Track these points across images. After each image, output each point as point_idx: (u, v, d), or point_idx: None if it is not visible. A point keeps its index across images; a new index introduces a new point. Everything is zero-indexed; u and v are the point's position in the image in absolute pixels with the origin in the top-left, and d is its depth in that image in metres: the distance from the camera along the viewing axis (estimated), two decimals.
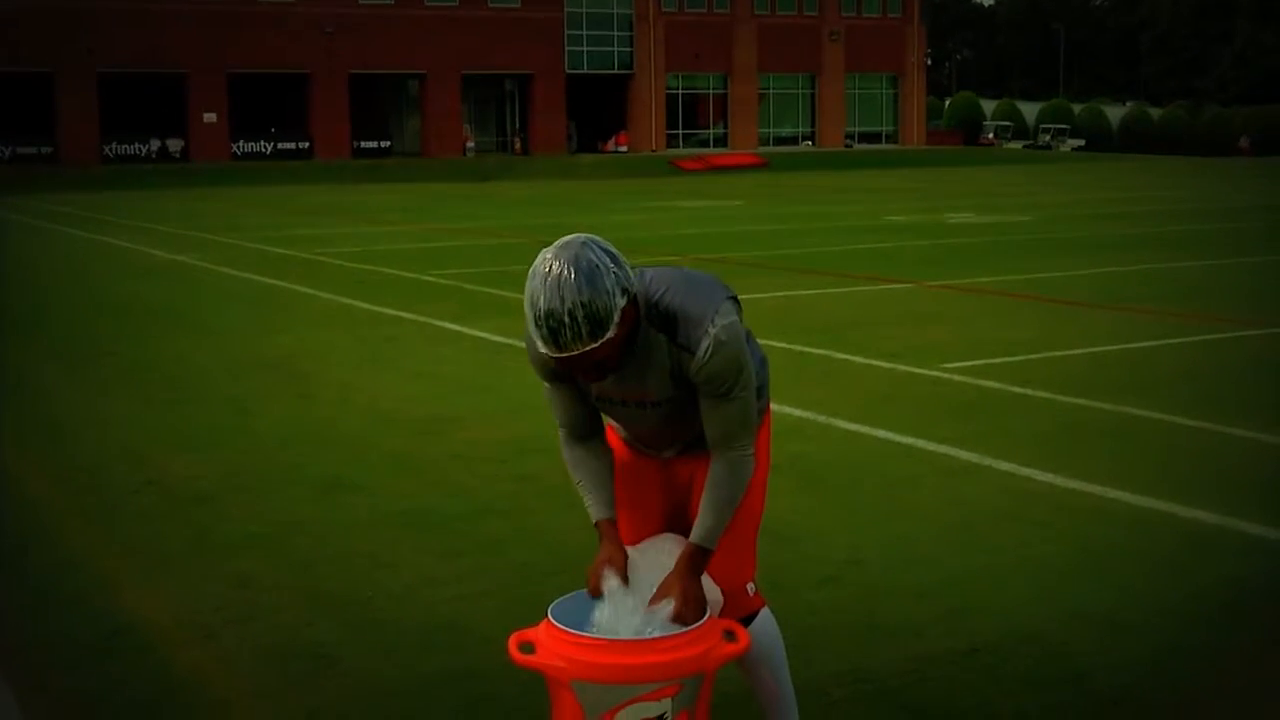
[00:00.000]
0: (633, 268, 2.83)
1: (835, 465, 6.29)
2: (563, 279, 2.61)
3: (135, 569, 4.98)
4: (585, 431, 3.07)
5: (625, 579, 2.92)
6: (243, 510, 5.67)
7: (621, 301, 2.66)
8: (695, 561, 2.91)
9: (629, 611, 2.88)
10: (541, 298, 2.62)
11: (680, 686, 2.76)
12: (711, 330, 2.77)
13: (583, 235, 2.73)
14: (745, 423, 2.89)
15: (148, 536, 5.35)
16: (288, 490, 6.00)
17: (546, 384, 3.00)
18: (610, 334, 2.65)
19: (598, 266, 2.63)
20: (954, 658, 3.93)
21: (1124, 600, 4.39)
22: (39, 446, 7.06)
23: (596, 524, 3.03)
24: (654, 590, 2.91)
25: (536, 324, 2.65)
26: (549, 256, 2.66)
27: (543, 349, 2.69)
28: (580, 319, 2.61)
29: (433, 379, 8.79)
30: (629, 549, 3.01)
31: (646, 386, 2.88)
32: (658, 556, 2.99)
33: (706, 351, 2.77)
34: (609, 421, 3.13)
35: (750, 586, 3.08)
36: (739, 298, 2.93)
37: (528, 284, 2.67)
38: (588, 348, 2.64)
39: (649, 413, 2.96)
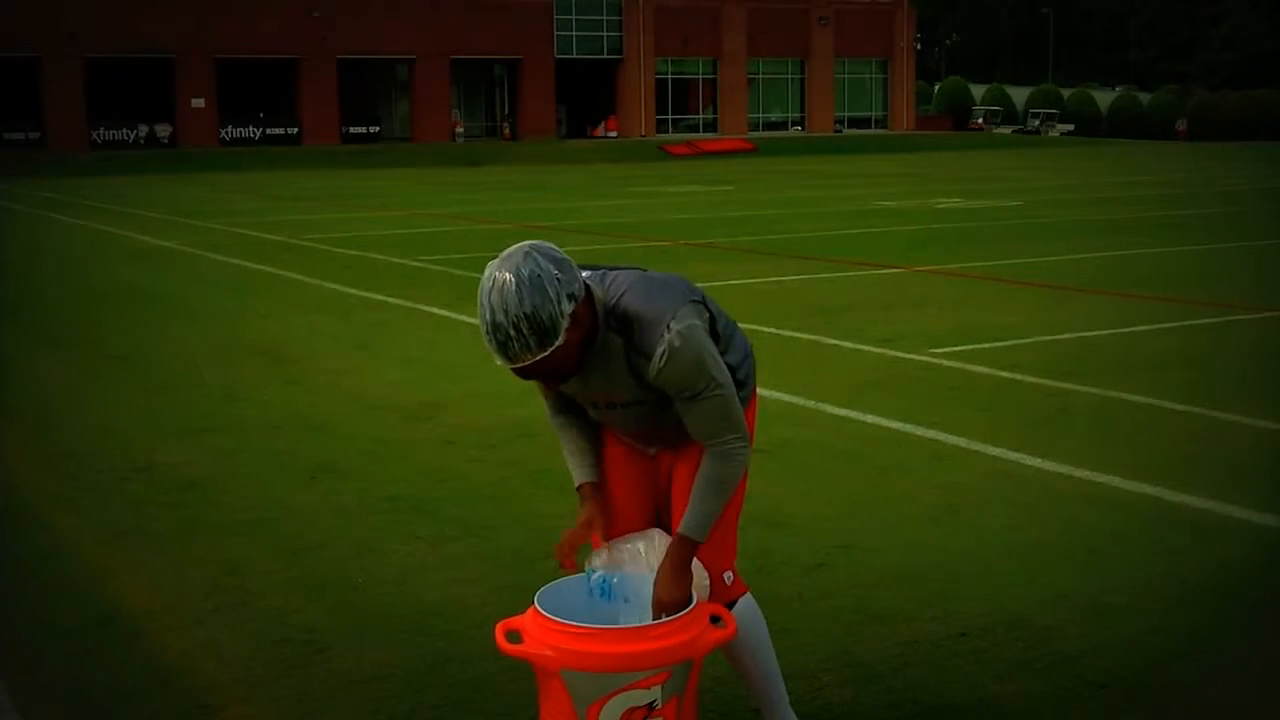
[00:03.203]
0: (594, 270, 2.82)
1: (824, 450, 6.29)
2: (506, 291, 2.60)
3: (124, 555, 4.97)
4: (563, 407, 3.10)
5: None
6: (231, 497, 5.66)
7: (568, 308, 2.63)
8: (679, 553, 2.87)
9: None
10: (488, 311, 2.62)
11: (670, 674, 2.76)
12: (666, 335, 2.72)
13: (527, 243, 2.70)
14: (725, 418, 2.82)
15: (136, 522, 5.34)
16: (276, 476, 5.99)
17: None
18: (559, 342, 2.63)
19: (540, 275, 2.61)
20: (943, 642, 3.94)
21: (1112, 584, 4.40)
22: (27, 432, 7.04)
23: (579, 488, 3.07)
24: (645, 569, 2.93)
25: (486, 337, 2.64)
26: (493, 268, 2.65)
27: (497, 361, 2.69)
28: (526, 331, 2.60)
29: (421, 365, 8.78)
30: (622, 539, 3.02)
31: (613, 388, 2.86)
32: (650, 548, 2.98)
33: (662, 356, 2.73)
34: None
35: (728, 575, 3.04)
36: (705, 300, 2.89)
37: (478, 297, 2.66)
38: (538, 357, 2.64)
39: (620, 412, 2.95)
